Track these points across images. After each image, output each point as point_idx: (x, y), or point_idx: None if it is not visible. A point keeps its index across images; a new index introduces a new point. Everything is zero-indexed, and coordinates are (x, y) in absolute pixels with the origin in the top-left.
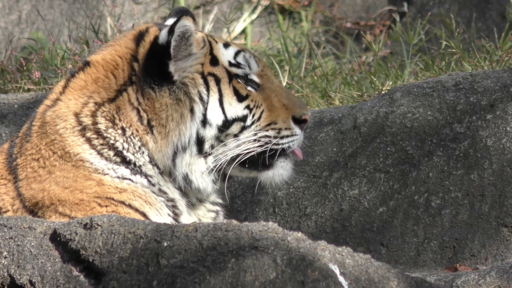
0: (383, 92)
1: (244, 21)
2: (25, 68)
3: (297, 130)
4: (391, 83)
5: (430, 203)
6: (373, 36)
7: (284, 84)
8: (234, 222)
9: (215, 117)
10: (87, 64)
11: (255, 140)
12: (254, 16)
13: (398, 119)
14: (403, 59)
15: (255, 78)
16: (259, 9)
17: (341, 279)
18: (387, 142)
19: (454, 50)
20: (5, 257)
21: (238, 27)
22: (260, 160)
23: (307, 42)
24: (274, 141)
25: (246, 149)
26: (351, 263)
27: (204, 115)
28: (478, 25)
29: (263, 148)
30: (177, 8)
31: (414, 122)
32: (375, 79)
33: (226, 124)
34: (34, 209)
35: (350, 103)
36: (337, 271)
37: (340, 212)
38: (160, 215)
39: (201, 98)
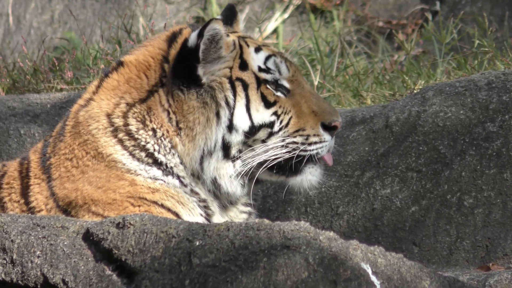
0: (415, 91)
1: (276, 20)
2: (57, 68)
3: (326, 136)
4: (423, 82)
5: (462, 202)
6: (405, 35)
7: (315, 83)
8: (266, 221)
9: (241, 123)
10: (120, 64)
11: (282, 146)
12: (286, 15)
13: (430, 118)
14: (435, 58)
15: (285, 83)
16: (291, 8)
17: (373, 278)
18: (419, 141)
19: (486, 49)
20: (38, 256)
21: (269, 27)
22: (288, 166)
23: (339, 41)
24: (302, 147)
25: (273, 155)
26: (383, 262)
27: (230, 120)
28: (510, 23)
29: (290, 154)
30: (228, 5)
31: (446, 121)
32: (407, 78)
33: (253, 130)
34: (67, 208)
35: (382, 102)
36: (369, 271)
37: (372, 212)
38: (193, 215)
39: (227, 103)
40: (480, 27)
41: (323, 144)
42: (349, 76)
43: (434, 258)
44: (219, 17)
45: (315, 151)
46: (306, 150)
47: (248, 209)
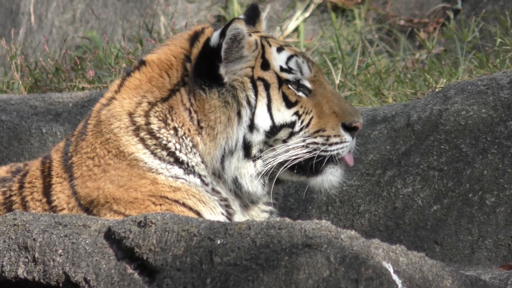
0: (436, 90)
1: (297, 19)
2: (79, 67)
3: (347, 137)
4: (445, 80)
5: (484, 201)
6: (426, 33)
7: (337, 82)
8: (287, 220)
9: (263, 123)
10: (142, 63)
11: (303, 146)
12: (307, 14)
13: (452, 117)
14: (457, 56)
15: (306, 83)
16: (312, 7)
17: (395, 277)
18: (441, 140)
19: (508, 47)
20: (60, 255)
21: (291, 25)
22: (308, 166)
23: (360, 39)
24: (322, 147)
25: (294, 155)
26: (405, 261)
27: (251, 119)
28: None
29: (311, 154)
30: (249, 5)
31: (468, 120)
32: (428, 76)
33: (274, 129)
34: (89, 207)
35: (403, 101)
36: (391, 269)
37: (394, 210)
38: (214, 214)
39: (248, 103)
40: (502, 25)
41: (344, 144)
42: (371, 75)
43: (456, 257)
44: (242, 16)
45: (335, 152)
46: (326, 151)
47: (269, 208)
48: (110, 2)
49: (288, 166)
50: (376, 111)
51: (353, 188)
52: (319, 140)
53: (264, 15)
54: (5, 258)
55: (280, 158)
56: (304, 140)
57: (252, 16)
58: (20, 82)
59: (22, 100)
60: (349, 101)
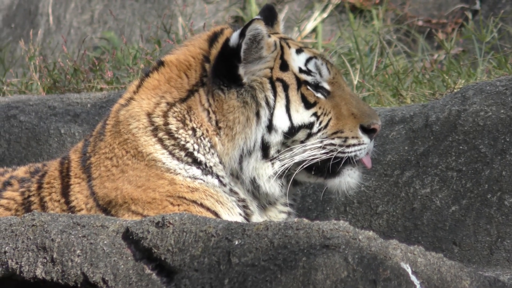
0: (455, 91)
1: (315, 19)
2: (97, 67)
3: (365, 139)
4: (463, 81)
5: (503, 202)
6: (445, 34)
7: (355, 82)
8: (305, 220)
9: (281, 123)
10: (161, 63)
11: (320, 147)
12: (325, 14)
13: (470, 118)
14: (476, 57)
15: (325, 85)
16: (330, 7)
17: (413, 278)
18: (459, 141)
19: None
20: (79, 255)
21: (308, 26)
22: (326, 167)
23: (378, 40)
24: (339, 149)
25: (311, 155)
26: (423, 262)
27: (270, 120)
28: None
29: (328, 155)
30: (265, 6)
31: (486, 121)
32: (447, 77)
33: (292, 130)
34: (107, 207)
35: (421, 101)
36: (409, 270)
37: (412, 211)
38: (232, 214)
39: (267, 103)
40: None
41: (362, 146)
42: (389, 75)
43: (474, 258)
44: (258, 17)
45: (353, 153)
46: (344, 152)
47: (287, 209)
48: (128, 3)
49: (305, 167)
50: (394, 111)
51: (371, 189)
52: (336, 141)
53: (281, 16)
54: (23, 258)
55: (297, 158)
56: (321, 141)
57: (269, 18)
58: (39, 83)
59: (40, 100)
60: (368, 103)
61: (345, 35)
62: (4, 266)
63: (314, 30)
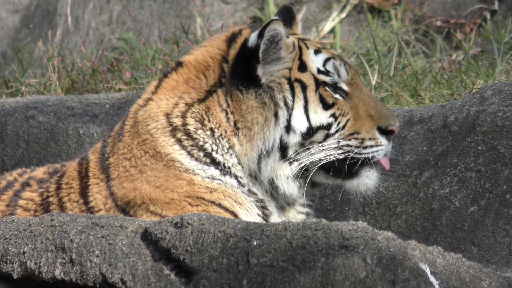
0: (473, 91)
1: (333, 20)
2: (116, 68)
3: (382, 140)
4: (482, 81)
5: None
6: (463, 34)
7: (373, 83)
8: (324, 221)
9: (299, 124)
10: (179, 64)
11: (336, 147)
12: (343, 15)
13: (489, 118)
14: (494, 57)
15: (343, 86)
16: (348, 8)
17: (432, 278)
18: (478, 141)
19: None
20: (97, 256)
21: (327, 26)
22: (344, 168)
23: (397, 40)
24: (356, 150)
25: (327, 155)
26: (442, 262)
27: (288, 121)
28: None
29: (344, 155)
30: (283, 7)
31: (505, 121)
32: (465, 77)
33: (310, 131)
34: (126, 208)
35: (440, 102)
36: (427, 271)
37: (431, 211)
38: (250, 215)
39: (285, 104)
40: None
41: (379, 148)
42: (407, 76)
43: (493, 258)
44: (276, 17)
45: (370, 155)
46: (360, 153)
47: (306, 210)
48: (147, 4)
49: (324, 168)
50: (412, 112)
51: (390, 189)
52: (353, 142)
53: (299, 16)
54: (42, 259)
55: (314, 158)
56: (338, 142)
57: (287, 18)
58: (57, 84)
59: (59, 101)
60: (386, 104)
61: (363, 35)
62: (23, 267)
63: (332, 30)
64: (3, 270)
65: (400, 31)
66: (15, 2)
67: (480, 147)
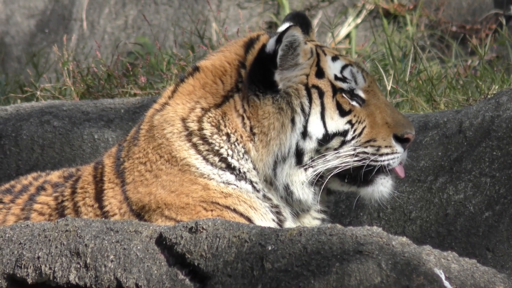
0: (489, 96)
1: (349, 25)
2: (131, 73)
3: (398, 148)
4: (497, 87)
5: None
6: (479, 39)
7: (388, 88)
8: (338, 226)
9: (316, 130)
10: (196, 69)
11: (352, 155)
12: (359, 20)
13: (504, 123)
14: (510, 62)
15: (360, 93)
16: (364, 13)
17: (446, 284)
18: (493, 147)
19: None
20: (112, 261)
21: (342, 32)
22: (359, 176)
23: (412, 46)
24: (372, 157)
25: (343, 163)
26: (456, 268)
27: (305, 127)
28: None
29: (360, 163)
30: (293, 12)
31: None
32: (481, 83)
33: (326, 138)
34: (140, 212)
35: (455, 107)
36: (442, 276)
37: (445, 217)
38: (265, 220)
39: (302, 110)
40: None
41: (395, 155)
42: (422, 81)
43: (508, 264)
44: (287, 24)
45: (386, 162)
46: (376, 161)
47: (321, 215)
48: (162, 9)
49: (339, 175)
50: (428, 117)
51: (405, 195)
52: (369, 150)
53: (315, 21)
54: (57, 263)
55: (330, 165)
56: (354, 149)
57: (303, 25)
58: (72, 88)
59: (74, 106)
60: (401, 110)
61: (378, 40)
62: (37, 272)
63: (348, 35)
64: (18, 275)
65: (416, 36)
66: (30, 7)
67: (495, 153)
